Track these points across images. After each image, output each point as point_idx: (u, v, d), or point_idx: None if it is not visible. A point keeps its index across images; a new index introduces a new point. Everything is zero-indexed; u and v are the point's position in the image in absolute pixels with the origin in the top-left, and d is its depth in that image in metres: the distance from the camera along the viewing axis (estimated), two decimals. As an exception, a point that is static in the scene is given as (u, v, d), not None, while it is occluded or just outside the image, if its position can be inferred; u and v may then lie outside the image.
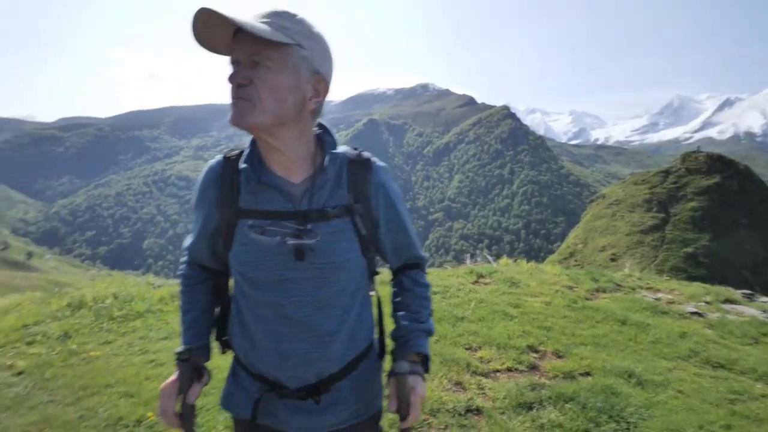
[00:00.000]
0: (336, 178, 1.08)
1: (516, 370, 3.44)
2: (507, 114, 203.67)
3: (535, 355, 3.73)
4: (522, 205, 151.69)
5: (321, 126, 1.12)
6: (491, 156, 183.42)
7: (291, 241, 1.01)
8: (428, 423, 2.68)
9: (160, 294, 4.91)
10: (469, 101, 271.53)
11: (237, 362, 1.19)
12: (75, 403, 2.85)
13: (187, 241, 1.23)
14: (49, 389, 3.03)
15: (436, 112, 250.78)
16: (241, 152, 1.10)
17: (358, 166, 1.10)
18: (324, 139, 1.11)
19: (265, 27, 0.90)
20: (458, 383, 3.15)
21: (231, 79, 0.95)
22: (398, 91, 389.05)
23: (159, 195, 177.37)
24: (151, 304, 4.67)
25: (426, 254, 1.29)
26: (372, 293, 1.21)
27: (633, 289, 5.92)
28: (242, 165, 1.05)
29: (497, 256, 9.33)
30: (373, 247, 1.15)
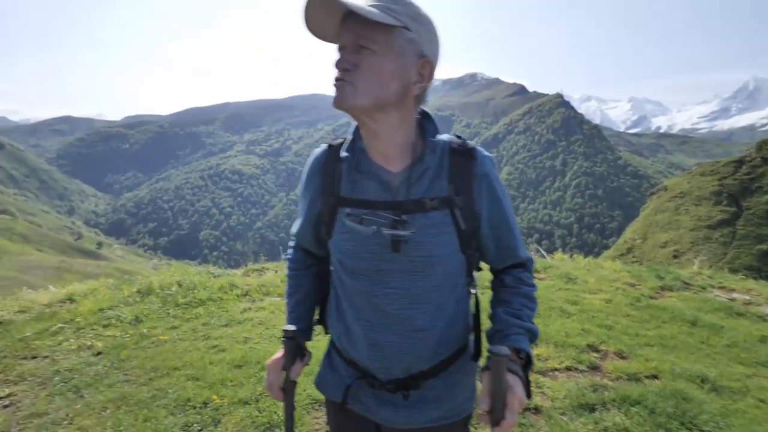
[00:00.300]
0: (436, 168, 1.03)
1: (575, 369, 3.32)
2: (560, 102, 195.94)
3: (595, 354, 3.58)
4: (575, 197, 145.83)
5: (423, 113, 1.07)
6: (542, 147, 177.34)
7: (386, 232, 0.99)
8: (485, 419, 2.64)
9: (219, 283, 5.12)
10: (520, 90, 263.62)
11: (332, 345, 1.21)
12: (147, 384, 3.03)
13: (295, 227, 1.25)
14: (124, 369, 3.25)
15: (485, 102, 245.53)
16: (345, 140, 1.10)
17: (461, 155, 1.04)
18: (425, 127, 1.06)
19: (373, 9, 0.89)
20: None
21: (337, 64, 0.95)
22: (446, 82, 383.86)
23: (214, 188, 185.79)
24: (212, 292, 4.88)
25: (532, 255, 1.18)
26: (473, 291, 1.15)
27: (703, 287, 5.54)
28: (343, 153, 1.05)
29: (548, 251, 9.01)
30: (474, 244, 1.08)
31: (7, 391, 2.93)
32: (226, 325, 4.11)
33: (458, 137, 1.09)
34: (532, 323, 1.08)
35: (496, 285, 1.18)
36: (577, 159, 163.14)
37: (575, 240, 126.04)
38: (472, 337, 1.19)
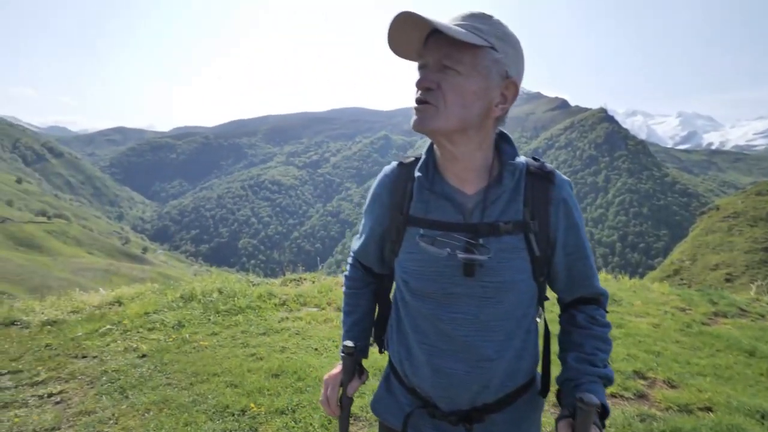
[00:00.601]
0: (512, 191, 1.00)
1: (621, 396, 3.17)
2: (603, 117, 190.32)
3: (642, 382, 3.40)
4: (618, 215, 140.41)
5: (501, 134, 1.04)
6: (584, 162, 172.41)
7: (461, 255, 0.95)
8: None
9: (258, 292, 5.23)
10: (561, 104, 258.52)
11: (392, 368, 1.18)
12: (188, 388, 3.11)
13: (355, 244, 1.23)
14: (167, 373, 3.35)
15: (525, 117, 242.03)
16: (417, 159, 1.08)
17: (539, 178, 1.01)
18: (502, 148, 1.03)
19: (460, 29, 0.88)
20: (555, 405, 2.96)
21: (419, 83, 0.93)
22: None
23: (254, 198, 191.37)
24: (251, 300, 4.99)
25: (607, 290, 1.10)
26: (538, 320, 1.09)
27: (762, 315, 5.19)
28: (417, 173, 1.03)
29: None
30: (545, 271, 1.03)
31: (59, 388, 3.08)
32: (264, 334, 4.18)
33: (536, 159, 1.05)
34: (607, 366, 1.02)
35: (566, 322, 1.11)
36: (621, 175, 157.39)
37: (618, 259, 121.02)
38: (540, 370, 1.13)
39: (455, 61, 0.89)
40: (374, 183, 1.15)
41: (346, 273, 1.29)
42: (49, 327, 4.24)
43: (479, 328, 0.99)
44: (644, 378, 3.46)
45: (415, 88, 0.94)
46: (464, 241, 0.96)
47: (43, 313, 4.57)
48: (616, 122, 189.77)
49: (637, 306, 5.37)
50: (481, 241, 0.96)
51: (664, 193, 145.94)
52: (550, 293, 1.12)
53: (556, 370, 1.08)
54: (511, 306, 1.00)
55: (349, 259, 1.30)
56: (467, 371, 1.00)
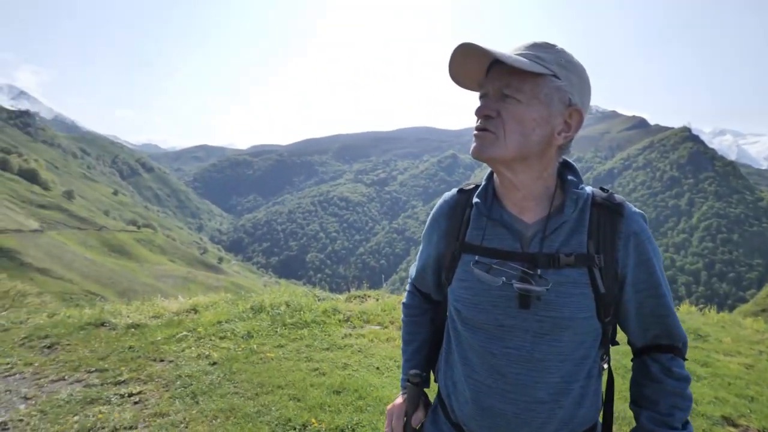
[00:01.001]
0: (575, 222, 0.95)
1: (710, 446, 2.82)
2: (687, 136, 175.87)
3: (733, 429, 3.08)
4: (704, 241, 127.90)
5: (565, 163, 1.01)
6: (665, 184, 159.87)
7: (517, 285, 0.91)
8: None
9: (323, 307, 5.30)
10: (639, 123, 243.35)
11: (439, 401, 1.14)
12: (254, 398, 3.20)
13: (413, 270, 1.23)
14: (235, 381, 3.47)
15: (599, 136, 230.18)
16: (477, 186, 1.07)
17: (606, 210, 0.95)
18: (566, 177, 0.99)
19: (521, 59, 0.88)
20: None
21: (478, 111, 0.93)
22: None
23: (322, 214, 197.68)
24: (316, 315, 5.07)
25: (686, 335, 1.02)
26: (605, 366, 1.02)
27: None
28: (475, 199, 1.02)
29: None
30: (612, 310, 0.96)
31: (138, 389, 3.29)
32: (328, 349, 4.21)
33: (604, 190, 1.00)
34: (687, 426, 0.96)
35: (639, 371, 1.04)
36: (708, 198, 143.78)
37: (703, 289, 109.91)
38: (600, 420, 1.04)
39: (515, 89, 0.89)
40: (434, 209, 1.14)
41: (404, 301, 1.27)
42: (132, 330, 4.57)
43: (533, 367, 0.93)
44: (735, 425, 3.12)
45: (476, 117, 0.94)
46: (520, 270, 0.93)
47: (128, 317, 4.94)
48: (702, 142, 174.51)
49: (727, 343, 4.85)
50: (539, 272, 0.91)
51: (758, 219, 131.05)
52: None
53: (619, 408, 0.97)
54: (570, 345, 0.93)
55: (408, 287, 1.29)
56: (516, 414, 0.94)
